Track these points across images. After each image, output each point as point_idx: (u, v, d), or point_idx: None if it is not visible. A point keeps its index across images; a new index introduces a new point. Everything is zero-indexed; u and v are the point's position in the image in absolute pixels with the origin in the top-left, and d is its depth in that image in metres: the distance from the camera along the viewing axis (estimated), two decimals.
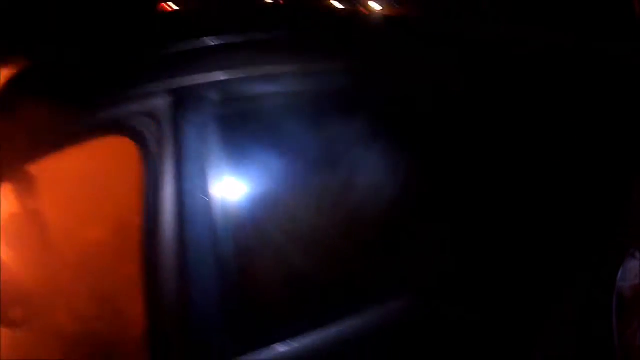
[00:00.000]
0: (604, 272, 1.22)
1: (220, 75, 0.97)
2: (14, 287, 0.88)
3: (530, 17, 1.21)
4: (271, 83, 1.01)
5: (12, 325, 0.89)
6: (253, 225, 0.97)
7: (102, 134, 0.92)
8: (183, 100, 0.94)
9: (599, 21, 1.23)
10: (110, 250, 0.93)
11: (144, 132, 0.91)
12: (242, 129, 0.99)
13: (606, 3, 1.22)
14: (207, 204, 0.92)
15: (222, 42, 1.00)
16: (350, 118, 1.04)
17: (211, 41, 0.99)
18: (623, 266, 1.21)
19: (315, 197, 1.02)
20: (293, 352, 0.95)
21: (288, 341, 0.95)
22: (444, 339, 1.10)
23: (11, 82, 0.93)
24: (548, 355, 1.21)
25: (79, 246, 0.93)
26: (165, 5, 3.75)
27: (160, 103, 0.93)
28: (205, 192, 0.92)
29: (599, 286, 1.22)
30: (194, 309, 0.90)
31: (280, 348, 0.94)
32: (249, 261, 0.96)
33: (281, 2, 3.02)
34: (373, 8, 3.09)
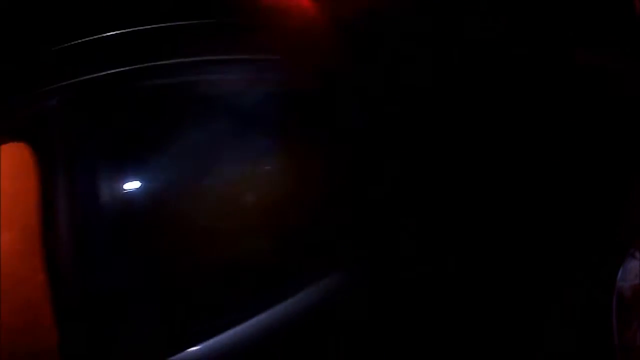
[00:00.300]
0: (604, 272, 1.22)
1: (111, 69, 0.94)
2: None
3: (530, 17, 1.21)
4: (169, 75, 0.98)
5: None
6: (150, 225, 0.95)
7: (2, 140, 0.91)
8: (73, 99, 0.92)
9: (599, 21, 1.23)
10: (23, 258, 0.92)
11: (37, 135, 0.90)
12: (137, 123, 0.96)
13: (606, 2, 1.22)
14: (99, 206, 0.90)
15: (114, 34, 0.97)
16: (252, 110, 1.01)
17: (101, 34, 0.96)
18: (623, 266, 1.21)
19: (220, 189, 0.99)
20: (211, 352, 0.94)
21: (204, 342, 0.93)
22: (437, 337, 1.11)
23: None
24: (548, 355, 1.22)
25: None
26: None
27: (50, 104, 0.91)
28: (96, 194, 0.90)
29: (599, 286, 1.22)
30: (97, 315, 0.89)
31: (197, 350, 0.93)
32: (149, 261, 0.95)
33: None
34: None
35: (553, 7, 1.22)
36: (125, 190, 0.94)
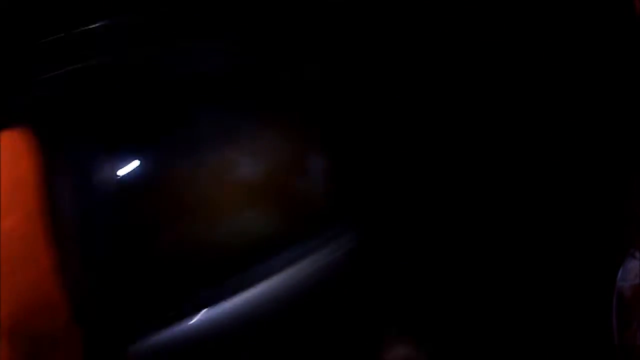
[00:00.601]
0: (604, 272, 1.22)
1: (101, 61, 0.96)
2: None
3: (529, 17, 1.22)
4: (170, 61, 1.01)
5: None
6: (150, 204, 0.96)
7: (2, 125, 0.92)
8: (74, 84, 0.94)
9: (599, 20, 1.24)
10: (26, 241, 0.92)
11: (39, 120, 0.92)
12: (133, 108, 0.98)
13: (605, 2, 1.23)
14: (101, 187, 0.93)
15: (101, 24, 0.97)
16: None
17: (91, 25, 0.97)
18: (623, 266, 1.21)
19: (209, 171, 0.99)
20: (207, 322, 0.94)
21: (200, 311, 0.94)
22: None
23: None
24: (548, 355, 1.21)
25: None
26: None
27: (52, 89, 0.93)
28: (97, 176, 0.93)
29: (599, 286, 1.21)
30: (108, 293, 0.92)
31: (192, 320, 0.94)
32: (148, 239, 0.96)
33: None
34: None
35: (552, 7, 1.23)
36: (124, 172, 0.95)
